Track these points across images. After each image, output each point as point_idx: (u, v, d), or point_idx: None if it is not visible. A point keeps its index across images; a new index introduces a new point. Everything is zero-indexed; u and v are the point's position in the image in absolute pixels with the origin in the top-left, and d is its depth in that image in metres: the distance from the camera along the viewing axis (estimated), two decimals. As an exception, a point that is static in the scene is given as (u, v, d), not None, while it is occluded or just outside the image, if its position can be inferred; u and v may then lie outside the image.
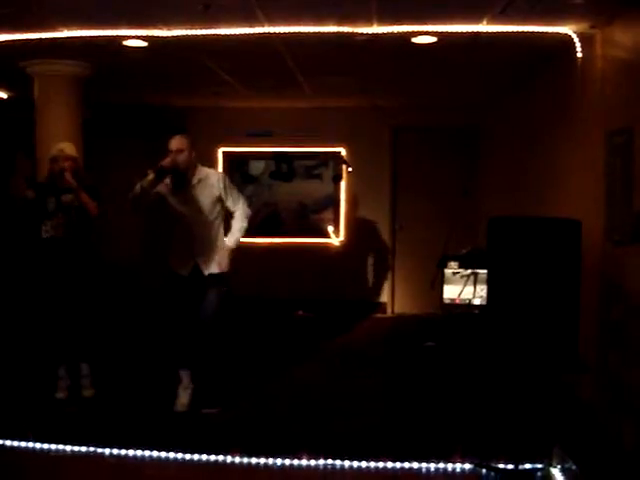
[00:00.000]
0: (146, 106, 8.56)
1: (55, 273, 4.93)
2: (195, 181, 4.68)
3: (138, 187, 4.50)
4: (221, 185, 4.73)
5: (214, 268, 4.71)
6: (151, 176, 4.46)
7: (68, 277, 4.93)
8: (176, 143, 4.60)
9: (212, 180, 4.73)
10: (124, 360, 6.01)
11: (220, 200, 4.74)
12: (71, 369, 5.05)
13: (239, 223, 4.79)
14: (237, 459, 3.93)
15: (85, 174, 5.09)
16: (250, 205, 4.97)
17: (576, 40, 4.85)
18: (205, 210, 4.69)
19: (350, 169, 8.85)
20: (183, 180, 4.63)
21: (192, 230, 4.68)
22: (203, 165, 4.85)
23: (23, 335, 6.08)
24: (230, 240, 4.76)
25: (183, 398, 4.76)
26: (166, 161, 4.53)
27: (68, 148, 5.01)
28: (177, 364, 4.80)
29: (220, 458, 3.94)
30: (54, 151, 4.98)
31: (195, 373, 4.79)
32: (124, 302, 7.71)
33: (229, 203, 4.78)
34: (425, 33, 4.90)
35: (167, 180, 4.59)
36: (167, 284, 4.81)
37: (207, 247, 4.71)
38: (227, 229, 4.88)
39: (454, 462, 3.86)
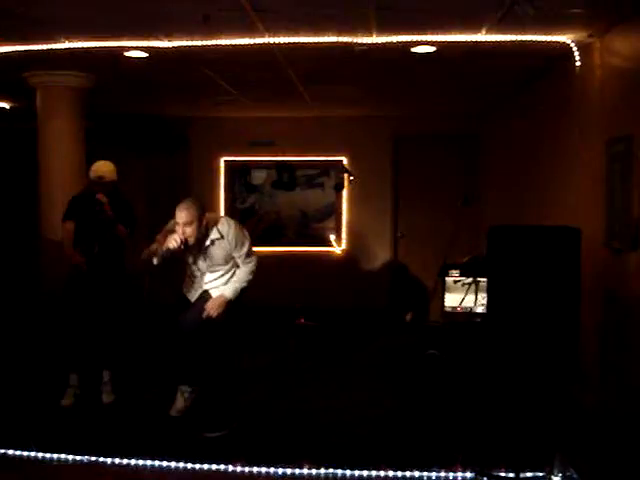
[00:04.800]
0: (148, 116, 8.60)
1: (84, 289, 4.97)
2: (208, 243, 4.61)
3: (146, 257, 4.49)
4: (232, 245, 4.64)
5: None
6: (159, 257, 4.41)
7: (96, 292, 4.98)
8: (183, 216, 4.42)
9: (226, 239, 4.62)
10: (130, 368, 6.01)
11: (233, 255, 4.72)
12: (90, 377, 5.10)
13: (242, 275, 4.71)
14: (239, 468, 3.93)
15: (119, 191, 5.09)
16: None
17: (575, 49, 4.88)
18: (218, 263, 4.70)
19: (352, 178, 8.86)
20: (196, 242, 4.56)
21: (205, 274, 4.75)
22: (212, 217, 4.74)
23: (36, 344, 6.12)
24: (227, 290, 4.68)
25: (179, 403, 4.77)
26: (172, 242, 4.41)
27: (108, 173, 4.92)
28: (177, 381, 4.84)
29: (222, 467, 3.94)
30: (94, 176, 4.90)
31: (196, 389, 4.84)
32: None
33: (236, 256, 4.70)
34: (424, 43, 4.93)
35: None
36: (177, 306, 4.84)
37: (219, 286, 4.76)
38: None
39: (455, 471, 3.85)
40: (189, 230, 4.43)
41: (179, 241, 4.41)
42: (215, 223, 4.64)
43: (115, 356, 5.16)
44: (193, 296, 4.85)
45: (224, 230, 4.63)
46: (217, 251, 4.64)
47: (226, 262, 4.73)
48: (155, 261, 4.41)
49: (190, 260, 4.72)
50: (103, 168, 4.94)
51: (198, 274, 4.80)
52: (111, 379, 5.13)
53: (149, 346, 6.81)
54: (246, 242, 4.73)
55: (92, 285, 4.97)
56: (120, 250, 5.10)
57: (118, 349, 5.17)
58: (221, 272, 4.78)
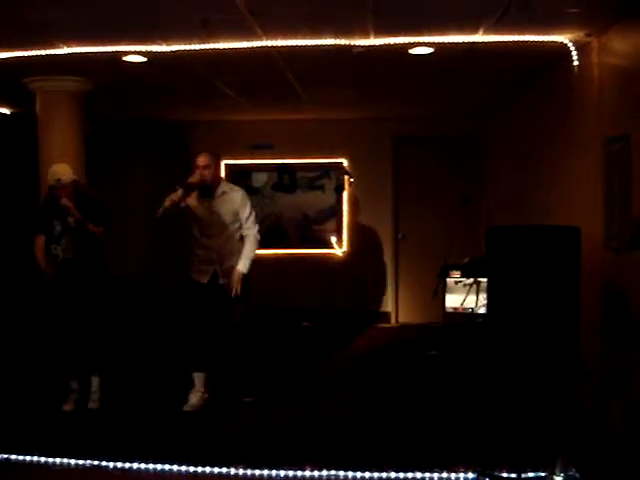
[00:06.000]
0: (148, 120, 8.61)
1: (66, 292, 5.01)
2: (219, 193, 5.16)
3: (168, 202, 4.86)
4: (239, 202, 5.18)
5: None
6: (180, 191, 4.89)
7: (78, 295, 5.02)
8: (202, 160, 5.09)
9: (233, 196, 5.20)
10: (131, 371, 6.02)
11: (238, 215, 5.17)
12: (82, 382, 5.12)
13: (249, 247, 5.15)
14: (240, 471, 3.93)
15: (87, 189, 5.14)
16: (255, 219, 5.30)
17: (572, 48, 4.87)
18: (225, 221, 5.13)
19: (352, 180, 8.87)
20: (208, 192, 5.11)
21: (212, 239, 5.14)
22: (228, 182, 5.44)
23: (35, 349, 6.13)
24: (241, 265, 5.08)
25: (193, 400, 5.08)
26: (194, 177, 5.03)
27: (65, 176, 4.95)
28: (192, 367, 5.13)
29: (224, 470, 3.95)
30: (51, 180, 4.95)
31: (210, 376, 5.18)
32: (130, 314, 7.74)
33: (242, 217, 5.17)
34: (422, 44, 4.93)
35: (194, 193, 5.04)
36: (186, 291, 5.22)
37: (226, 256, 5.13)
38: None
39: (457, 471, 3.86)
40: (206, 172, 5.06)
41: (198, 177, 5.03)
42: (228, 183, 5.39)
43: (101, 361, 5.17)
44: (203, 277, 5.14)
45: (234, 188, 5.30)
46: (224, 205, 5.14)
47: (230, 224, 5.13)
48: (167, 204, 4.82)
49: (200, 212, 5.08)
50: (59, 170, 5.00)
51: (205, 241, 5.13)
52: (99, 387, 5.13)
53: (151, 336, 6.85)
54: (250, 206, 5.25)
55: (70, 289, 5.00)
56: (96, 250, 5.09)
57: (103, 353, 5.18)
58: (227, 240, 5.13)
